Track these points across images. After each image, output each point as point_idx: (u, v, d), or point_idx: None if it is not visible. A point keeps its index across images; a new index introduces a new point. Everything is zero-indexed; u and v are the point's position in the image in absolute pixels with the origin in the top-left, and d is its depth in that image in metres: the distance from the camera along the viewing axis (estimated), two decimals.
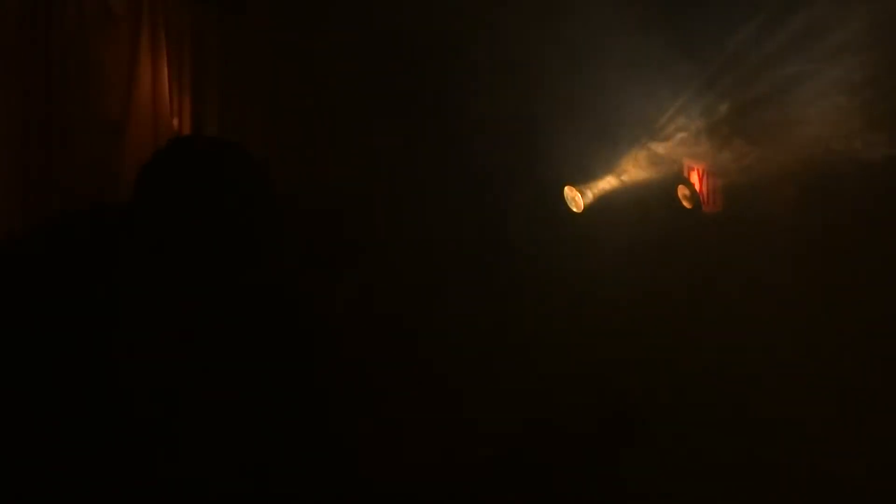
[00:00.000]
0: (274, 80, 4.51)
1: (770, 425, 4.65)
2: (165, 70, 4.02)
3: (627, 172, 5.12)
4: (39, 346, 1.32)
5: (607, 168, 5.14)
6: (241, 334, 1.47)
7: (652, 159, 5.13)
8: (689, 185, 5.10)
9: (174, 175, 1.49)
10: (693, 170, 5.16)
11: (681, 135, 5.10)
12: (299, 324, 1.61)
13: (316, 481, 1.50)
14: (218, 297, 1.45)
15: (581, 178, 5.12)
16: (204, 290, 1.44)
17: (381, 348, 4.25)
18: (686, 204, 5.05)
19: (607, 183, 5.12)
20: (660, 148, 5.11)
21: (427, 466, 4.00)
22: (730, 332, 4.80)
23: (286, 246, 1.57)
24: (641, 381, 4.88)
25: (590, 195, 5.09)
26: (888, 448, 4.29)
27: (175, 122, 4.08)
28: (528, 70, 4.84)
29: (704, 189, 5.14)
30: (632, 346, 4.93)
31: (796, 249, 4.92)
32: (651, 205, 5.04)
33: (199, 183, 1.47)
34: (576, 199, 5.09)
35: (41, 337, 1.33)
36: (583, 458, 4.53)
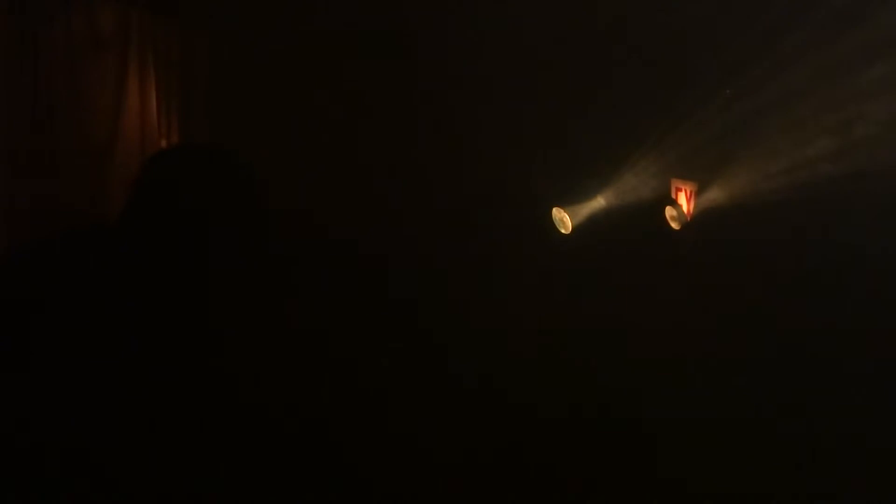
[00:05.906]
0: (263, 100, 4.54)
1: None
2: (153, 92, 4.09)
3: (615, 193, 5.14)
4: (39, 361, 1.34)
5: (595, 189, 5.16)
6: (235, 337, 1.48)
7: (640, 180, 5.15)
8: (677, 206, 5.11)
9: (165, 183, 1.48)
10: (681, 190, 5.17)
11: (669, 155, 5.12)
12: (292, 325, 1.62)
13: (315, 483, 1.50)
14: (211, 302, 1.46)
15: (569, 200, 5.14)
16: (198, 295, 1.45)
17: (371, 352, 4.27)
18: (674, 225, 5.06)
19: (595, 204, 5.14)
20: (648, 169, 5.13)
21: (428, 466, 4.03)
22: (715, 350, 4.81)
23: (279, 251, 1.56)
24: (631, 399, 4.90)
25: (578, 216, 5.11)
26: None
27: (163, 143, 4.13)
28: (516, 92, 4.87)
29: (692, 210, 5.15)
30: (620, 365, 4.94)
31: (786, 269, 4.92)
32: (639, 226, 5.05)
33: (192, 189, 1.47)
34: (564, 220, 5.11)
35: (40, 352, 1.35)
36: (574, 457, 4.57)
